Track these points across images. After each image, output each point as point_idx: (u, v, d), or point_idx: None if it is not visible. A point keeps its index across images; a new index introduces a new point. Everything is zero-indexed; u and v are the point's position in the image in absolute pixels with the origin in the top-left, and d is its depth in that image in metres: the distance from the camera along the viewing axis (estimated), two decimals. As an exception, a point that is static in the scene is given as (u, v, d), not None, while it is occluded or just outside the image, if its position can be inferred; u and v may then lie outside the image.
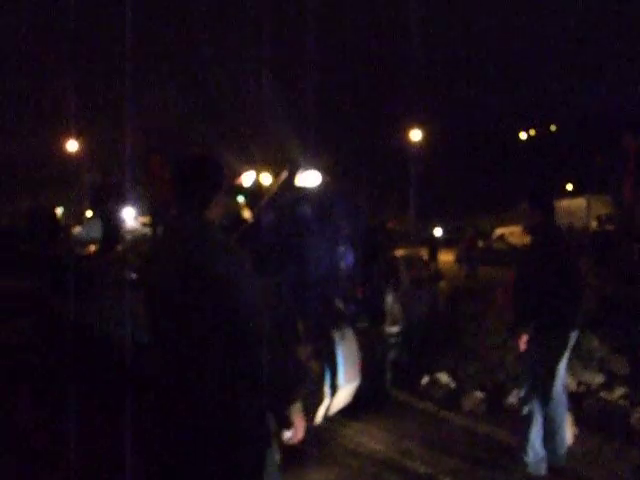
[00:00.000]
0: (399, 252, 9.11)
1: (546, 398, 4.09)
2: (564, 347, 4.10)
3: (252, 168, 6.02)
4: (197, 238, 2.08)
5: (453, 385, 6.03)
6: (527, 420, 4.14)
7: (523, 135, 58.70)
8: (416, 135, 28.35)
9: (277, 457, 3.70)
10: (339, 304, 5.55)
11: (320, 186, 5.64)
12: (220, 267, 2.00)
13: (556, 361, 4.08)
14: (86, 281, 4.05)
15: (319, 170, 5.82)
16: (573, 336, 4.14)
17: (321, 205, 5.45)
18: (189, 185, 2.17)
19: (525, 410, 4.16)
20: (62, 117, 31.49)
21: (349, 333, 5.28)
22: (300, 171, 5.56)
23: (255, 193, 5.60)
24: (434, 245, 18.57)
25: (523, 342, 4.12)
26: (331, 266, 5.36)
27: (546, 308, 3.96)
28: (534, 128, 59.11)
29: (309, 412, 4.28)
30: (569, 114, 54.50)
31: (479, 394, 5.56)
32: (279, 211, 5.37)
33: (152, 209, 6.74)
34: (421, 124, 29.60)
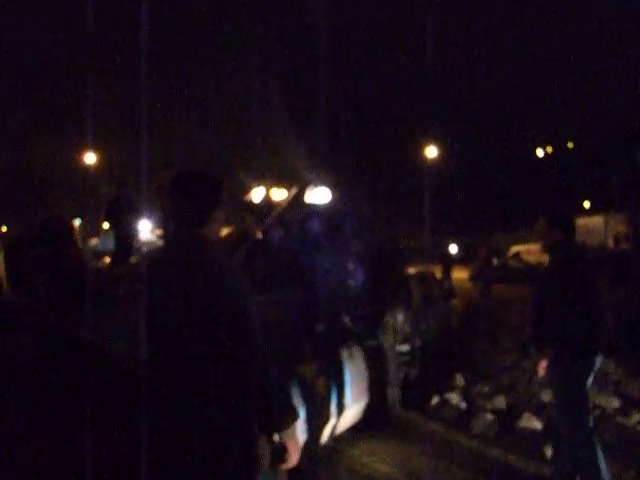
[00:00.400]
0: (411, 269, 9.02)
1: (583, 432, 3.74)
2: (589, 374, 3.82)
3: (262, 184, 6.02)
4: (195, 254, 2.05)
5: (464, 406, 5.92)
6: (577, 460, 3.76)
7: (540, 152, 58.44)
8: (432, 152, 28.32)
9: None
10: (347, 322, 5.49)
11: (330, 203, 5.61)
12: (221, 286, 1.97)
13: (583, 388, 3.79)
14: (94, 294, 4.04)
15: (330, 187, 5.78)
16: (598, 361, 3.86)
17: (331, 222, 5.42)
18: (187, 201, 2.12)
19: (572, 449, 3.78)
20: (81, 129, 31.94)
21: (357, 351, 5.24)
22: (310, 188, 5.54)
23: (264, 209, 5.59)
24: (448, 262, 18.37)
25: (542, 368, 3.93)
26: (340, 283, 5.31)
27: (568, 332, 3.70)
28: (551, 145, 58.84)
29: (314, 432, 4.21)
30: (586, 131, 54.11)
31: (490, 416, 5.44)
32: (288, 227, 5.35)
33: (163, 222, 6.77)
34: (437, 140, 29.60)
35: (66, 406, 2.39)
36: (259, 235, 5.23)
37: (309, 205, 5.57)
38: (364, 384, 5.13)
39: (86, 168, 28.39)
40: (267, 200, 5.78)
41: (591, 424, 3.82)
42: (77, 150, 29.61)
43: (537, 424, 5.28)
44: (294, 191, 5.54)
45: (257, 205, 5.72)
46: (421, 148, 29.43)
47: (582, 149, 55.75)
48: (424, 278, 8.50)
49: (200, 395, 1.93)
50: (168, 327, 1.99)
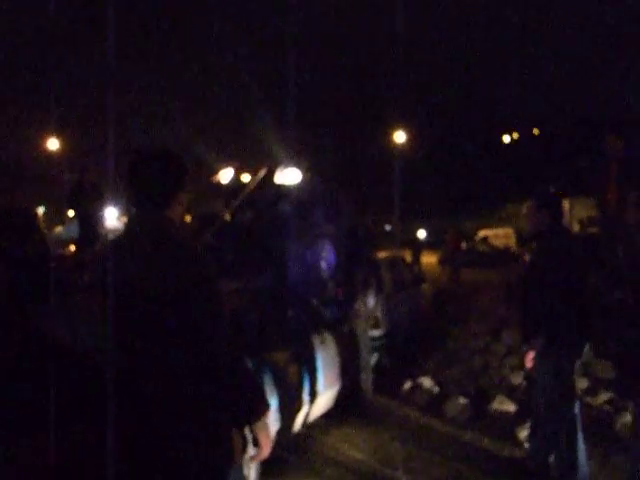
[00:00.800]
0: (382, 254, 8.97)
1: (565, 419, 3.75)
2: (576, 362, 3.78)
3: (230, 165, 5.82)
4: (160, 239, 1.92)
5: (436, 390, 5.91)
6: (555, 444, 3.81)
7: (506, 138, 59.17)
8: (400, 137, 28.30)
9: (248, 472, 3.55)
10: (318, 306, 5.38)
11: (301, 184, 5.45)
12: (187, 270, 1.85)
13: (570, 378, 3.75)
14: (56, 284, 3.85)
15: (301, 168, 5.63)
16: (585, 349, 3.83)
17: (301, 203, 5.28)
18: (148, 182, 1.98)
19: (547, 433, 3.82)
20: (43, 114, 31.07)
21: (329, 337, 5.16)
22: (280, 168, 5.38)
23: (233, 191, 5.40)
24: (417, 247, 18.46)
25: (530, 359, 3.83)
26: (311, 267, 5.18)
27: (558, 322, 3.60)
28: (517, 131, 59.61)
29: (287, 420, 4.13)
30: (552, 117, 54.91)
31: (463, 400, 5.43)
32: (257, 209, 5.19)
33: (129, 209, 6.53)
34: (405, 126, 29.60)
35: (30, 402, 2.29)
36: (227, 217, 5.06)
37: (279, 186, 5.41)
38: (336, 370, 5.06)
39: (49, 154, 27.62)
40: (236, 181, 5.59)
41: (576, 410, 3.81)
42: (40, 136, 28.79)
43: (510, 406, 5.29)
44: (263, 172, 5.36)
45: (225, 186, 5.53)
46: (389, 132, 29.38)
47: (548, 135, 56.59)
48: (394, 263, 8.47)
49: (168, 386, 1.83)
50: (133, 315, 1.88)
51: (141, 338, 1.86)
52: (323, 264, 5.42)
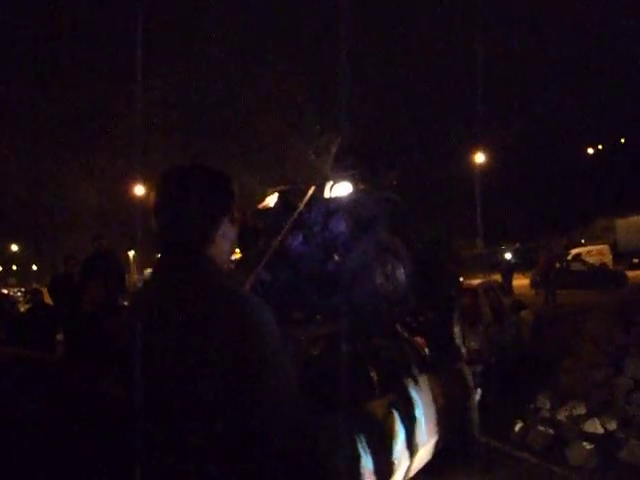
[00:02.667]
0: (475, 280, 8.39)
1: None
2: None
3: (274, 189, 5.25)
4: (198, 289, 1.37)
5: (552, 432, 5.25)
6: None
7: (590, 150, 56.52)
8: (479, 158, 27.57)
9: None
10: (411, 340, 4.82)
11: (356, 194, 4.87)
12: (242, 336, 1.31)
13: None
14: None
15: (356, 181, 5.04)
16: None
17: (360, 216, 4.64)
18: (182, 207, 1.45)
19: None
20: (129, 162, 32.61)
21: (430, 377, 4.60)
22: (328, 183, 4.80)
23: (282, 216, 4.73)
24: (509, 270, 17.26)
25: None
26: (381, 289, 4.52)
27: None
28: (602, 142, 56.85)
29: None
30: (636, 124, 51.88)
31: (588, 445, 4.75)
32: (308, 230, 4.62)
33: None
34: (484, 145, 28.82)
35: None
36: (275, 245, 4.42)
37: (329, 200, 4.71)
38: (439, 415, 4.51)
39: (135, 199, 28.74)
40: (283, 205, 4.90)
41: None
42: (126, 182, 30.12)
43: (643, 452, 4.58)
44: (312, 189, 4.69)
45: (273, 212, 4.89)
46: (468, 155, 28.67)
47: (634, 144, 53.54)
48: (491, 289, 7.87)
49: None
50: (163, 401, 1.36)
51: (174, 431, 1.35)
52: (389, 284, 4.76)
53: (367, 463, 3.46)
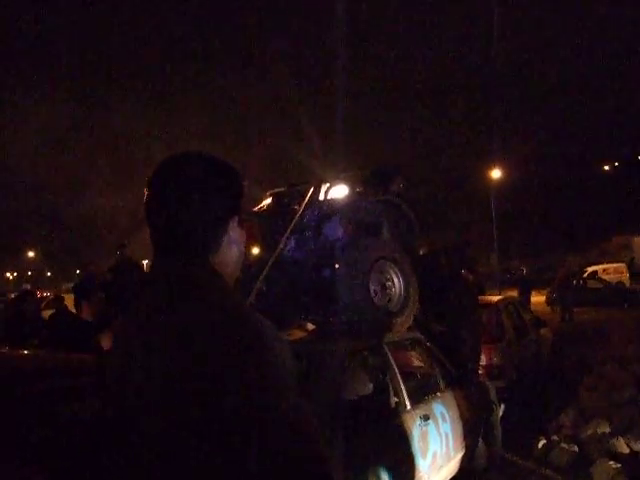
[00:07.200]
0: (495, 297, 8.39)
1: None
2: None
3: (272, 193, 4.96)
4: (201, 306, 1.10)
5: (576, 449, 5.23)
6: None
7: (606, 167, 56.19)
8: (496, 173, 27.55)
9: None
10: (439, 353, 4.75)
11: (354, 197, 4.63)
12: (250, 367, 1.04)
13: None
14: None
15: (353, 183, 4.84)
16: None
17: (358, 221, 4.44)
18: (181, 204, 1.15)
19: None
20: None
21: (450, 392, 4.55)
22: (324, 185, 4.60)
23: (276, 219, 4.53)
24: (527, 286, 17.16)
25: None
26: (370, 298, 4.24)
27: None
28: (618, 160, 56.50)
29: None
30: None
31: (613, 464, 4.73)
32: (301, 234, 4.39)
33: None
34: (501, 161, 28.80)
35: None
36: (273, 253, 4.19)
37: (325, 202, 4.47)
38: (465, 430, 4.52)
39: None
40: (279, 207, 4.71)
41: None
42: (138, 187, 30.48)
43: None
44: (310, 191, 4.42)
45: (268, 215, 4.65)
46: (485, 170, 28.65)
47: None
48: (512, 305, 7.86)
49: None
50: (151, 438, 1.11)
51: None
52: (389, 293, 4.48)
53: (397, 477, 3.49)
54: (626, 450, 4.99)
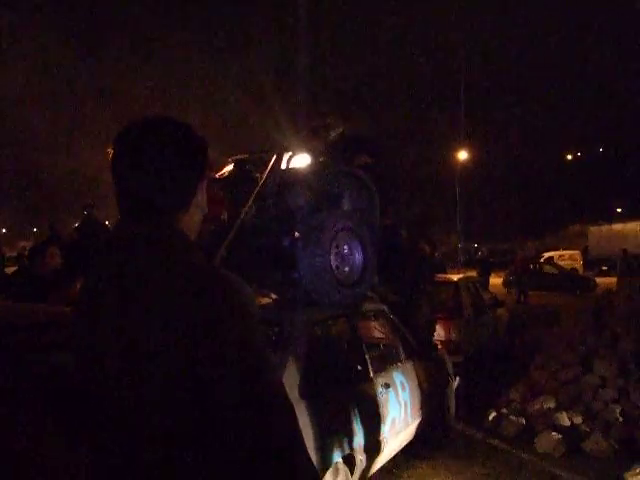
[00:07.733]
0: (455, 275, 8.71)
1: None
2: None
3: (233, 159, 4.89)
4: (166, 271, 1.10)
5: (523, 422, 5.60)
6: None
7: (569, 157, 57.48)
8: (462, 155, 27.94)
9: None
10: (401, 328, 5.00)
11: (316, 167, 4.59)
12: (220, 331, 1.04)
13: None
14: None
15: (316, 154, 4.83)
16: None
17: (320, 190, 4.47)
18: (154, 168, 1.16)
19: None
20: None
21: (410, 363, 4.80)
22: (287, 153, 4.57)
23: (240, 187, 4.45)
24: (487, 267, 17.66)
25: None
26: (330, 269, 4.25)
27: None
28: (581, 150, 57.84)
29: (370, 457, 3.92)
30: (616, 134, 52.91)
31: (555, 435, 5.11)
32: (261, 202, 4.37)
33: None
34: (466, 144, 29.20)
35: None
36: (238, 222, 4.14)
37: (287, 171, 4.47)
38: (422, 400, 4.79)
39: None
40: (241, 175, 4.63)
41: None
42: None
43: (605, 445, 4.94)
44: (273, 160, 4.40)
45: (229, 183, 4.61)
46: (450, 150, 29.06)
47: (612, 154, 54.61)
48: (470, 284, 8.19)
49: None
50: (113, 408, 1.11)
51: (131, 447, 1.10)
52: (345, 266, 4.50)
53: (359, 439, 3.74)
54: (567, 423, 5.37)
